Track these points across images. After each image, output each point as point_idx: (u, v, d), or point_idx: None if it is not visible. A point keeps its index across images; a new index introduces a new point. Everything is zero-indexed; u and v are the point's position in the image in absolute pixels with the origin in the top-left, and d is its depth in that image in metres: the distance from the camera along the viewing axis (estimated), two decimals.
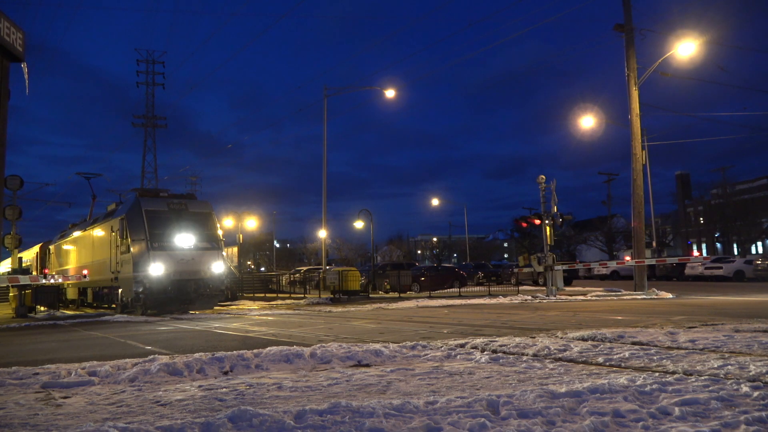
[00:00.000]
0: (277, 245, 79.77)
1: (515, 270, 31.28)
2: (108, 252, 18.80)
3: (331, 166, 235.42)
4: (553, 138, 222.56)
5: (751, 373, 4.67)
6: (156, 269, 16.45)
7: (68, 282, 22.52)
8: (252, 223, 44.30)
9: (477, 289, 26.33)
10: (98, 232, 20.27)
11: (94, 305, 21.62)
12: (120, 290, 17.91)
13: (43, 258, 28.12)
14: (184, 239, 17.27)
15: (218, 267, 17.70)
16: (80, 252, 22.62)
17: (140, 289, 16.41)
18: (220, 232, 18.74)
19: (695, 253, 57.22)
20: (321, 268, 28.81)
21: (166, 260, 16.71)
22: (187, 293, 17.19)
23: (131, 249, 16.88)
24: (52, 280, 19.04)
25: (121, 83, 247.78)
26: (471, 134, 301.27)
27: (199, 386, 4.98)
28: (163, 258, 16.67)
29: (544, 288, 20.92)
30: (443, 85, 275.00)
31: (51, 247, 27.49)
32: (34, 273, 26.25)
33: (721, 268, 32.38)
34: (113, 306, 19.16)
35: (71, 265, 23.60)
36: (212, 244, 17.96)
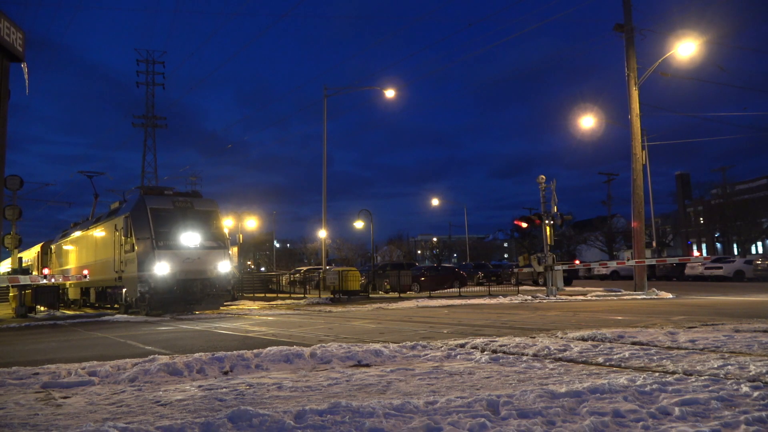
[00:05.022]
0: (278, 245, 79.83)
1: (515, 270, 31.24)
2: (111, 251, 18.61)
3: (335, 165, 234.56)
4: (558, 137, 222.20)
5: (751, 373, 4.67)
6: (161, 268, 16.16)
7: (69, 282, 22.47)
8: (252, 223, 44.27)
9: (477, 289, 26.33)
10: (101, 231, 20.08)
11: (97, 306, 21.45)
12: (124, 290, 17.64)
13: (43, 258, 28.10)
14: (190, 238, 16.98)
15: (224, 266, 17.43)
16: (82, 251, 22.48)
17: (145, 289, 16.13)
18: (226, 231, 18.54)
19: (695, 253, 57.23)
20: (321, 268, 28.80)
21: (172, 259, 16.44)
22: (193, 293, 16.92)
23: (136, 248, 16.59)
24: (52, 280, 19.03)
25: (124, 81, 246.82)
26: (477, 133, 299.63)
27: (199, 386, 4.98)
28: (168, 257, 16.40)
29: (544, 288, 20.92)
30: (450, 83, 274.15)
31: (52, 246, 27.44)
32: (35, 273, 26.26)
33: (721, 268, 32.38)
34: (116, 306, 18.98)
35: (73, 265, 23.50)
36: (218, 243, 17.72)
